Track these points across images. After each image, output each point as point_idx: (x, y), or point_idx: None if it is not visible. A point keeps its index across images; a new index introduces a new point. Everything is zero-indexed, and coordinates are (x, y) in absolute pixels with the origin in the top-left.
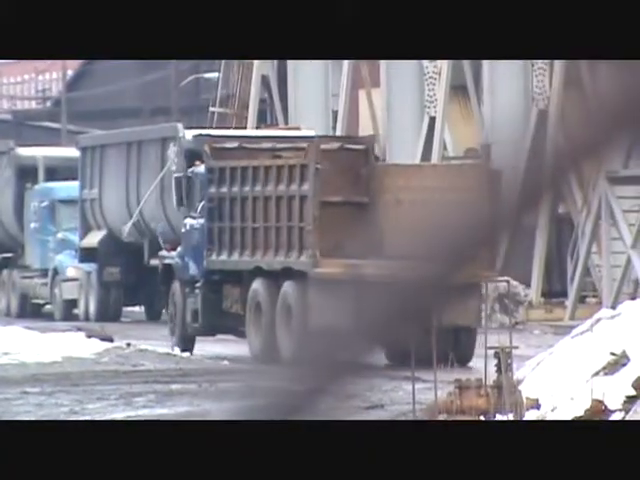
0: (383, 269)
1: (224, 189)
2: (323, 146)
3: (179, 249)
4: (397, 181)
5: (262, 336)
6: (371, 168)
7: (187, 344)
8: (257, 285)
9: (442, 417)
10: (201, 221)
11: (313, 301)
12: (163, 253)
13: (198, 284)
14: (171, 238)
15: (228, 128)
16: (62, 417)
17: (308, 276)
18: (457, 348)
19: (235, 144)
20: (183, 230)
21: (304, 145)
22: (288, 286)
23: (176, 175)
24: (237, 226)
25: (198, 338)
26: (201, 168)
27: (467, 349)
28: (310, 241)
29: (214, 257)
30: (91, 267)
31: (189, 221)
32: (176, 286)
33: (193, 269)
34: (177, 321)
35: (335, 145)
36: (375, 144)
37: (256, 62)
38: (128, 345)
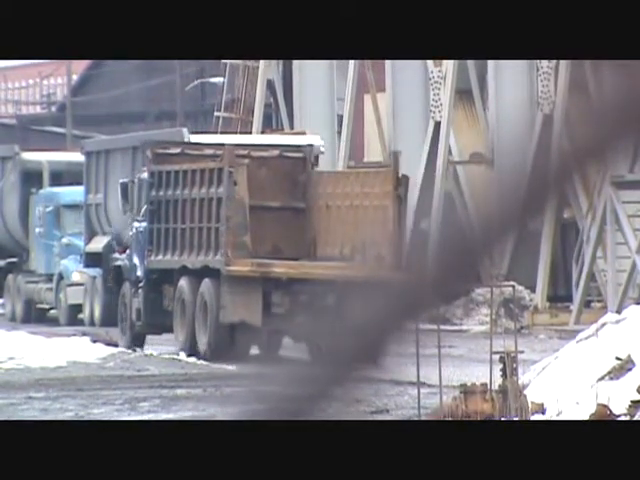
0: (291, 268)
1: (162, 192)
2: (263, 154)
3: (127, 251)
4: (327, 188)
5: (185, 331)
6: (308, 175)
7: (136, 342)
8: (182, 283)
9: None
10: (144, 224)
11: (224, 297)
12: (115, 255)
13: (141, 284)
14: (123, 241)
15: (233, 133)
16: None
17: (221, 274)
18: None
19: (178, 150)
20: (130, 233)
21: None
22: (205, 284)
23: (122, 181)
24: (170, 227)
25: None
26: (146, 173)
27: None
28: (223, 241)
29: (153, 257)
30: (96, 272)
31: (135, 224)
32: (126, 287)
33: (139, 270)
34: (127, 321)
35: (274, 153)
36: (312, 152)
37: (261, 67)
38: (133, 350)
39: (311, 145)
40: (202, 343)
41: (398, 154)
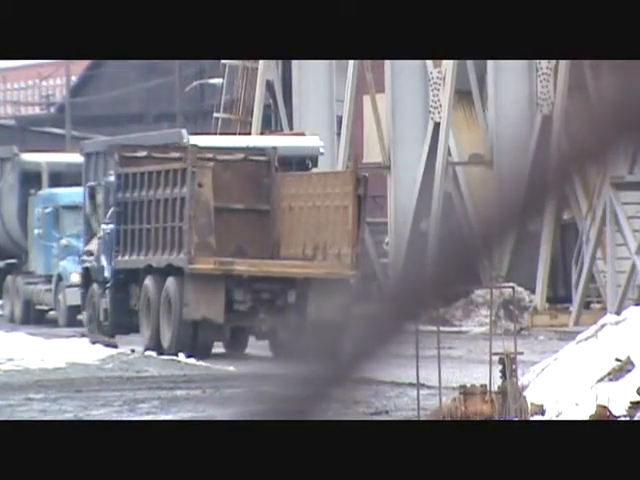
0: (252, 266)
1: (128, 194)
2: (228, 157)
3: (96, 253)
4: (290, 190)
5: (150, 329)
6: (272, 178)
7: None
8: (148, 282)
9: None
10: (111, 226)
11: (188, 295)
12: (84, 257)
13: (108, 285)
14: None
15: (232, 134)
16: None
17: (185, 272)
18: (324, 343)
19: (144, 153)
20: (99, 235)
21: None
22: (169, 282)
23: (89, 184)
24: (136, 228)
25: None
26: (112, 176)
27: (334, 344)
28: (186, 240)
29: (120, 258)
30: None
31: (103, 226)
32: (94, 288)
33: (106, 271)
34: (95, 321)
35: (239, 156)
36: (276, 156)
37: (260, 67)
38: (132, 351)
39: (275, 148)
40: (166, 339)
41: (358, 157)
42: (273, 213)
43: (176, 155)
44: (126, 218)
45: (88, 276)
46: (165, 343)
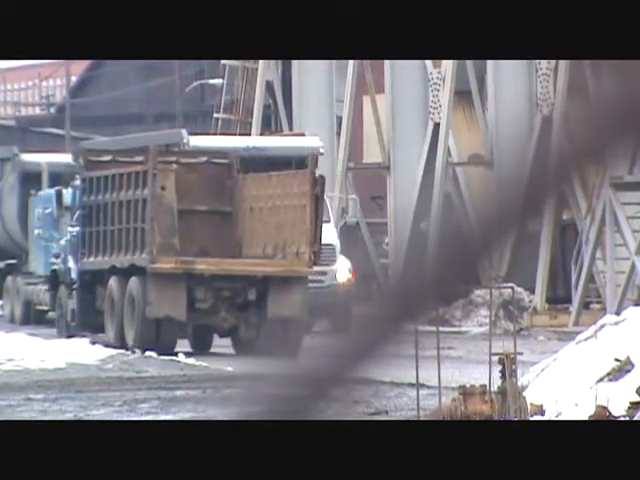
0: (212, 265)
1: (93, 197)
2: (191, 160)
3: (63, 255)
4: (251, 191)
5: (115, 327)
6: (234, 180)
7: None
8: (112, 282)
9: None
10: (77, 228)
11: (150, 294)
12: (52, 260)
13: (75, 286)
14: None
15: (232, 134)
16: None
17: (147, 272)
18: (285, 339)
19: (109, 157)
20: (66, 238)
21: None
22: (132, 281)
23: (56, 188)
24: (100, 230)
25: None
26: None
27: (295, 340)
28: (148, 240)
29: (86, 260)
30: None
31: (69, 229)
32: (62, 289)
33: (73, 272)
34: (63, 321)
35: (202, 159)
36: (238, 159)
37: (260, 68)
38: (132, 351)
39: (236, 151)
40: (130, 338)
41: (316, 155)
42: (235, 214)
43: (140, 159)
44: (91, 221)
45: (56, 278)
46: (129, 341)
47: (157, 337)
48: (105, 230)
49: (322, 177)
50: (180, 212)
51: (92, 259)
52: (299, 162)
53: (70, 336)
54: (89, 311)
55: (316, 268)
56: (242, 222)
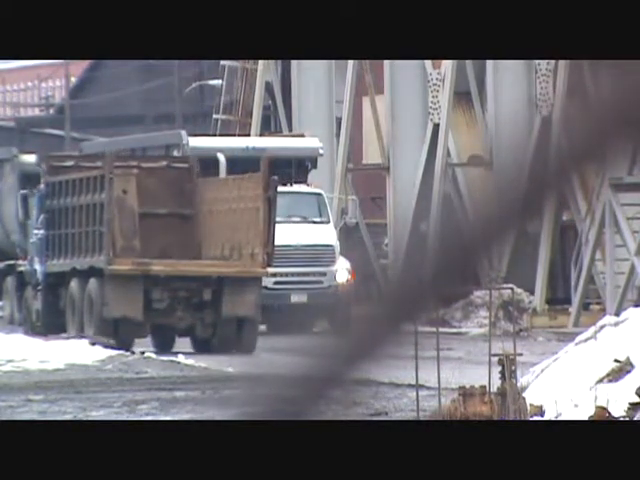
0: (168, 266)
1: (55, 201)
2: (152, 164)
3: (29, 257)
4: (210, 194)
5: (75, 327)
6: (194, 184)
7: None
8: (73, 283)
9: None
10: (42, 231)
11: (107, 294)
12: (18, 262)
13: (39, 287)
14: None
15: (232, 135)
16: None
17: (104, 273)
18: (240, 337)
19: (71, 162)
20: (31, 240)
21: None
22: (91, 283)
23: (22, 192)
24: (62, 233)
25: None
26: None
27: (249, 338)
28: (106, 242)
29: (50, 262)
30: None
31: (35, 231)
32: (28, 291)
33: (38, 274)
34: (29, 322)
35: (162, 163)
36: (196, 163)
37: (260, 69)
38: (132, 352)
39: (195, 157)
40: (90, 337)
41: (268, 159)
42: (195, 217)
43: (100, 164)
44: (54, 224)
45: (22, 279)
46: (90, 340)
47: (115, 337)
48: (67, 233)
49: (275, 180)
50: (141, 215)
51: (55, 261)
52: (299, 163)
53: (35, 336)
54: (53, 312)
55: (316, 269)
56: (202, 224)
